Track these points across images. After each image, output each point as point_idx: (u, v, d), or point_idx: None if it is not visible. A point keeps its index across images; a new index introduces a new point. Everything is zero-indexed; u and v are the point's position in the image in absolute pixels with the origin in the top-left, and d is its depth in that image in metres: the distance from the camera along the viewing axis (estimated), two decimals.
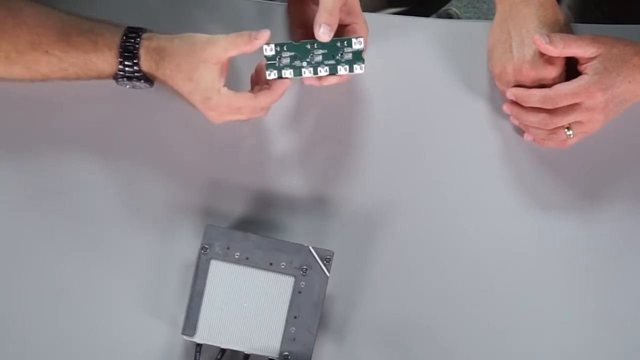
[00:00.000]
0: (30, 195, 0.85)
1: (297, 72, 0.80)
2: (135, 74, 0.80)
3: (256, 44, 0.77)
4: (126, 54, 0.79)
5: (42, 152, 0.86)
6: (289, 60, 0.80)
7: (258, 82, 0.82)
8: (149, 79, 0.82)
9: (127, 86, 0.83)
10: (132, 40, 0.79)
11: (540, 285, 0.85)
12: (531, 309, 0.85)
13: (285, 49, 0.79)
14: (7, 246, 0.84)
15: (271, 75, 0.80)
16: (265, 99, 0.80)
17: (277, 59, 0.80)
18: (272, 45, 0.79)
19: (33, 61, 0.80)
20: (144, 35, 0.80)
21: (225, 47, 0.77)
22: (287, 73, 0.80)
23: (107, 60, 0.80)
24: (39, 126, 0.86)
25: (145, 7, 0.90)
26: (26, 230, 0.84)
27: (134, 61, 0.79)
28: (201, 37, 0.78)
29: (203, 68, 0.77)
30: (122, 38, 0.79)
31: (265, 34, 0.77)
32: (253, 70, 0.83)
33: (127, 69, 0.80)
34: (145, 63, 0.80)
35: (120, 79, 0.81)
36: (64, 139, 0.86)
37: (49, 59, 0.79)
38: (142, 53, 0.79)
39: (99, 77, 0.82)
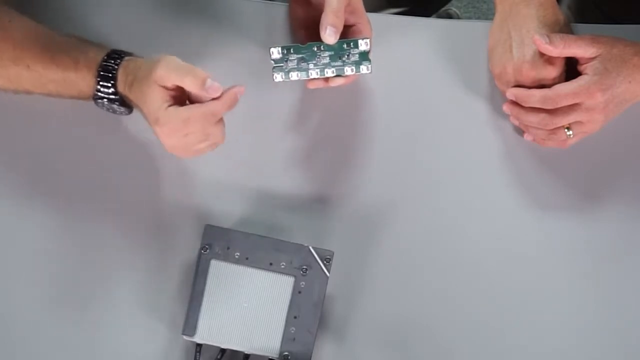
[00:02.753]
0: (31, 195, 0.85)
1: (304, 74, 0.80)
2: (112, 96, 0.79)
3: (205, 94, 0.74)
4: (103, 73, 0.78)
5: (42, 152, 0.86)
6: (295, 63, 0.80)
7: None
8: (126, 104, 0.80)
9: (108, 110, 0.81)
10: (112, 62, 0.78)
11: (540, 285, 0.85)
12: (531, 308, 0.85)
13: (292, 51, 0.79)
14: (7, 246, 0.84)
15: (277, 78, 0.80)
16: (213, 104, 0.75)
17: (285, 62, 0.80)
18: (279, 48, 0.79)
19: (15, 75, 0.79)
20: (126, 58, 0.79)
21: (172, 73, 0.73)
22: (294, 75, 0.80)
23: (85, 79, 0.79)
24: (40, 126, 0.86)
25: (146, 7, 0.90)
26: (26, 230, 0.84)
27: (112, 82, 0.78)
28: (156, 58, 0.75)
29: (153, 88, 0.75)
30: (103, 58, 0.78)
31: (218, 91, 0.74)
32: None
33: (103, 89, 0.78)
34: (121, 85, 0.78)
35: (98, 100, 0.80)
36: (63, 139, 0.86)
37: (30, 74, 0.79)
38: (120, 74, 0.78)
39: (79, 97, 0.81)
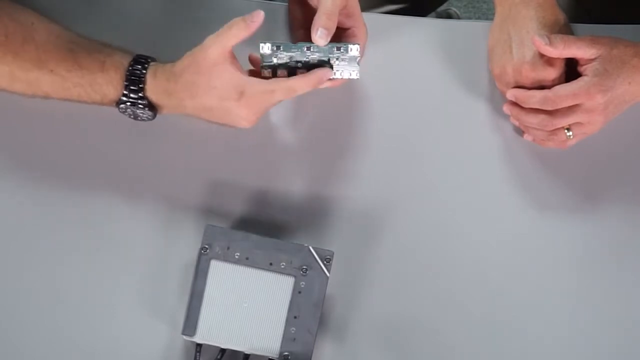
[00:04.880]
0: (31, 195, 0.85)
1: (292, 73, 0.80)
2: (139, 101, 0.79)
3: (253, 27, 0.77)
4: (132, 78, 0.78)
5: (43, 153, 0.86)
6: (284, 61, 0.80)
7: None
8: (153, 107, 0.80)
9: (130, 115, 0.81)
10: (140, 66, 0.78)
11: (540, 285, 0.85)
12: (531, 308, 0.85)
13: (281, 49, 0.79)
14: (7, 246, 0.84)
15: (265, 73, 0.80)
16: (295, 81, 0.78)
17: (273, 58, 0.80)
18: (269, 44, 0.79)
19: (36, 79, 0.78)
20: (152, 63, 0.79)
21: (222, 43, 0.76)
22: (282, 73, 0.80)
23: (112, 82, 0.78)
24: (40, 126, 0.86)
25: (147, 7, 0.90)
26: (26, 230, 0.84)
27: (140, 86, 0.78)
28: (196, 49, 0.78)
29: (218, 70, 0.76)
30: (130, 63, 0.78)
31: (260, 15, 0.77)
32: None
33: (131, 94, 0.78)
34: (151, 88, 0.78)
35: (122, 105, 0.79)
36: (64, 142, 0.86)
37: (53, 78, 0.78)
38: (149, 78, 0.78)
39: (101, 102, 0.80)
